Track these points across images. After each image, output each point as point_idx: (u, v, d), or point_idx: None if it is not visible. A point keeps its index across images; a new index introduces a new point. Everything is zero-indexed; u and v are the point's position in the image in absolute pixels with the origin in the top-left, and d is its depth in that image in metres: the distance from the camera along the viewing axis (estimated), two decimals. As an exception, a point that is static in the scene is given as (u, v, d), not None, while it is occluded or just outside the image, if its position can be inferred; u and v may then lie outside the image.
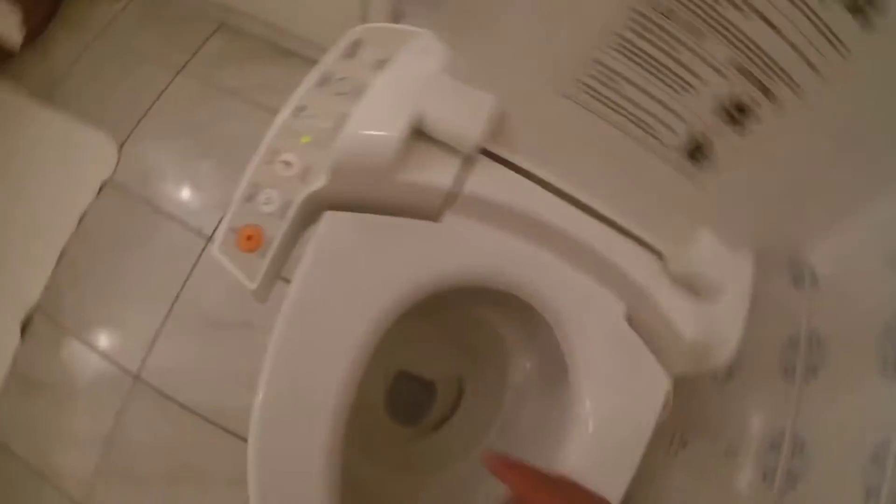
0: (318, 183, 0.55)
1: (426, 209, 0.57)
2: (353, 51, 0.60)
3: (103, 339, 1.22)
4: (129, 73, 1.41)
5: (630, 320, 0.62)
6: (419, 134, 0.54)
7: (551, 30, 0.48)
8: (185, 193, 1.32)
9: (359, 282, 0.56)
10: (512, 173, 0.58)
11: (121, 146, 1.33)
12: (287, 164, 0.56)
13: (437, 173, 0.55)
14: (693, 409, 0.82)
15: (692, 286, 0.59)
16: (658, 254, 0.61)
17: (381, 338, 0.56)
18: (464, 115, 0.52)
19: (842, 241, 0.63)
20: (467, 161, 0.55)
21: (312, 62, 0.60)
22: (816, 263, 0.69)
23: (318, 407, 0.53)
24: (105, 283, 1.25)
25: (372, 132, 0.52)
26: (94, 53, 1.45)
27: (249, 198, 0.56)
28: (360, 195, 0.55)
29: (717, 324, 0.59)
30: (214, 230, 1.24)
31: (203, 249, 1.24)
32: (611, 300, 0.62)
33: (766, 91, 0.45)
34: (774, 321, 0.73)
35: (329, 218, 0.55)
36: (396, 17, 0.92)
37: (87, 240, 1.27)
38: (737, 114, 0.48)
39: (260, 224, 0.55)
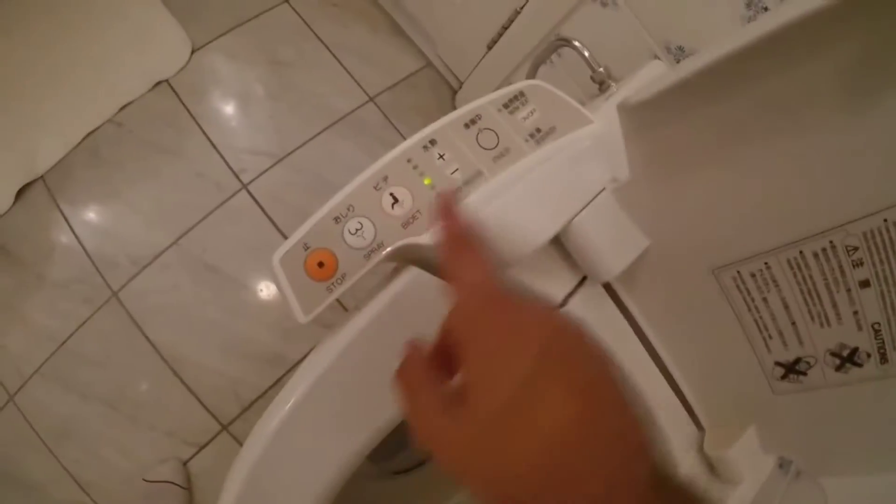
0: (424, 237, 0.46)
1: None
2: (513, 104, 0.52)
3: (95, 240, 1.12)
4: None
5: None
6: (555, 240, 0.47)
7: (751, 212, 0.46)
8: (237, 125, 1.22)
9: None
10: (616, 311, 0.56)
11: (194, 50, 1.24)
12: (395, 199, 0.48)
13: (553, 286, 0.50)
14: None
15: (715, 469, 0.59)
16: (699, 426, 0.61)
17: None
18: (614, 247, 0.47)
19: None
20: (584, 284, 0.49)
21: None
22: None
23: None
24: (119, 182, 1.16)
25: (520, 222, 0.45)
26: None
27: (338, 219, 0.48)
28: None
29: None
30: (254, 178, 1.15)
31: (234, 193, 1.15)
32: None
33: (882, 354, 0.46)
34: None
35: (416, 275, 0.47)
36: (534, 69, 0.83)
37: (119, 131, 1.18)
38: (847, 360, 0.49)
39: (338, 254, 0.47)
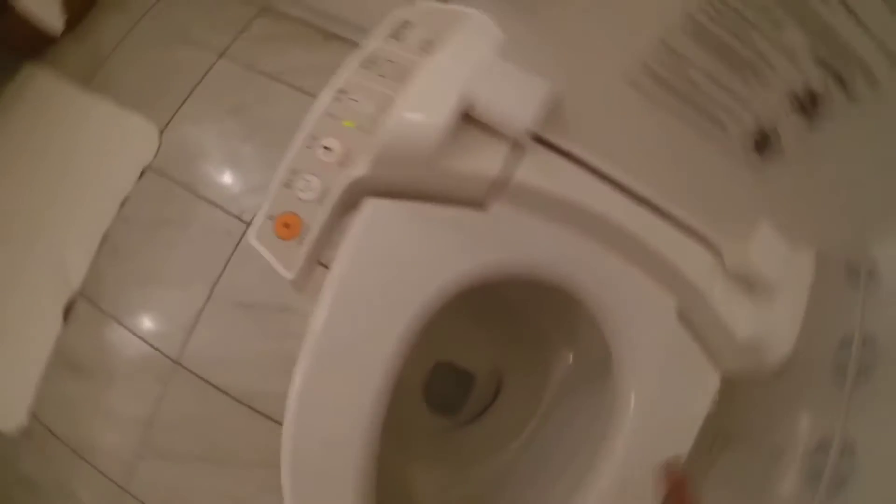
0: (359, 170, 0.52)
1: (472, 198, 0.54)
2: (399, 32, 0.57)
3: (144, 324, 1.22)
4: (170, 56, 1.40)
5: (681, 316, 0.59)
6: (469, 120, 0.51)
7: (620, 11, 0.45)
8: (226, 178, 1.31)
9: (401, 271, 0.54)
10: (565, 162, 0.55)
11: (162, 131, 1.33)
12: (327, 149, 0.54)
13: (484, 160, 0.52)
14: (737, 408, 0.79)
15: (748, 283, 0.56)
16: (714, 249, 0.58)
17: (424, 328, 0.54)
18: (516, 98, 0.49)
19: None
20: (517, 148, 0.53)
21: (354, 43, 0.57)
22: (878, 261, 0.65)
23: (357, 396, 0.52)
24: (146, 267, 1.25)
25: (418, 117, 0.49)
26: (134, 38, 1.45)
27: (288, 184, 0.54)
28: (403, 182, 0.53)
29: (772, 324, 0.56)
30: (255, 215, 1.23)
31: (243, 234, 1.23)
32: (662, 296, 0.60)
33: (842, 82, 0.43)
34: (827, 320, 0.68)
35: (370, 205, 0.53)
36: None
37: (128, 224, 1.27)
38: (809, 105, 0.45)
39: (298, 212, 0.53)
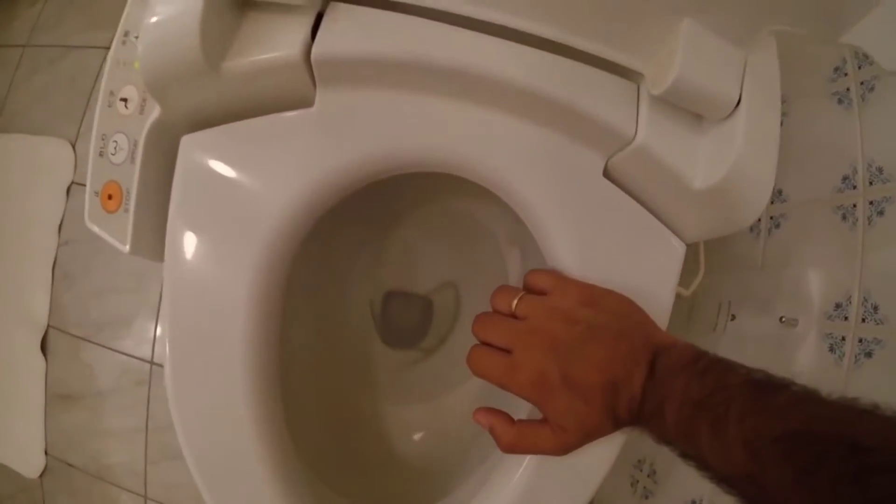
0: (155, 111, 0.46)
1: (293, 96, 0.46)
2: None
3: (112, 334, 1.21)
4: (60, 71, 1.34)
5: (613, 175, 0.49)
6: (248, 6, 0.43)
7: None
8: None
9: (239, 199, 0.46)
10: (382, 13, 0.43)
11: (73, 143, 1.28)
12: (126, 100, 0.48)
13: (275, 42, 0.42)
14: (735, 273, 0.72)
15: (689, 109, 0.44)
16: (634, 74, 0.46)
17: (296, 250, 0.48)
18: None
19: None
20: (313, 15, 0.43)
21: None
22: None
23: (229, 336, 0.46)
24: (98, 280, 1.23)
25: (163, 17, 0.40)
26: (22, 71, 1.39)
27: (101, 152, 0.49)
28: (211, 106, 0.46)
29: (736, 155, 0.43)
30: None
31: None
32: (580, 154, 0.48)
33: None
34: (821, 155, 0.62)
35: (186, 142, 0.46)
36: None
37: (70, 245, 1.25)
38: None
39: (116, 178, 0.48)
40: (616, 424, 0.41)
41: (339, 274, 0.76)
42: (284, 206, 0.46)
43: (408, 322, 0.81)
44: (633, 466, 0.78)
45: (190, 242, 0.46)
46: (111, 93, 0.49)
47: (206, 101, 0.45)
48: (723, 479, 0.35)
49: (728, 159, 0.43)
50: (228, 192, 0.46)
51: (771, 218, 0.68)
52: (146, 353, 1.18)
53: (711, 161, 0.45)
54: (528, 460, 0.49)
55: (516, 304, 0.45)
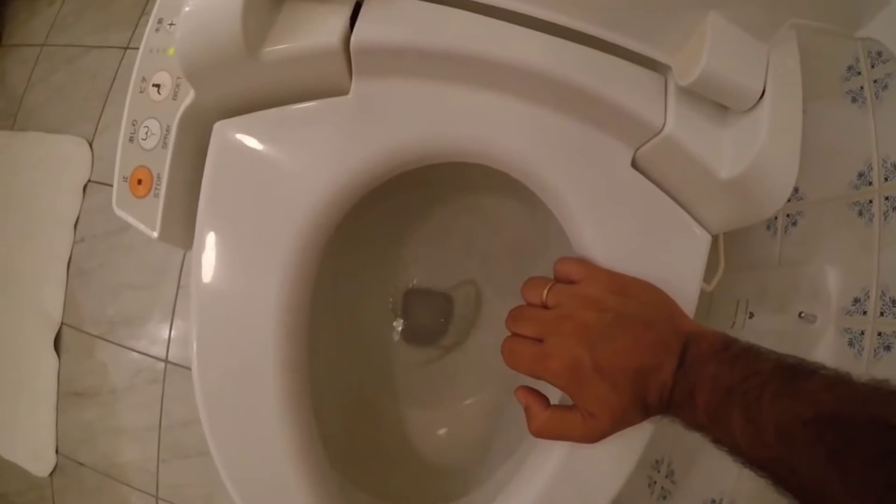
0: (189, 96, 0.47)
1: (328, 84, 0.46)
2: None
3: (126, 332, 1.21)
4: (78, 70, 1.36)
5: (641, 165, 0.49)
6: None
7: None
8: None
9: (271, 186, 0.46)
10: (419, 2, 0.44)
11: (91, 142, 1.29)
12: (159, 86, 0.49)
13: (314, 30, 0.43)
14: (753, 272, 0.72)
15: (715, 101, 0.45)
16: (661, 67, 0.47)
17: (326, 242, 0.49)
18: None
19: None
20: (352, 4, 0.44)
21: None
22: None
23: (259, 331, 0.46)
24: (113, 277, 1.23)
25: (204, 2, 0.41)
26: (41, 68, 1.40)
27: (131, 138, 0.49)
28: (245, 92, 0.46)
29: (761, 145, 0.43)
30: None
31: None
32: (609, 145, 0.48)
33: None
34: (836, 154, 0.62)
35: (219, 128, 0.47)
36: None
37: (86, 243, 1.25)
38: None
39: (147, 163, 0.48)
40: (645, 412, 0.41)
41: (359, 270, 0.76)
42: (319, 193, 0.47)
43: (428, 319, 0.81)
44: (651, 467, 0.77)
45: (220, 229, 0.46)
46: (143, 79, 0.49)
47: (242, 88, 0.46)
48: (754, 463, 0.35)
49: (753, 149, 0.44)
50: (261, 178, 0.47)
51: (787, 216, 0.68)
52: (160, 352, 1.17)
53: (736, 151, 0.45)
54: (551, 459, 0.49)
55: (547, 294, 0.45)
